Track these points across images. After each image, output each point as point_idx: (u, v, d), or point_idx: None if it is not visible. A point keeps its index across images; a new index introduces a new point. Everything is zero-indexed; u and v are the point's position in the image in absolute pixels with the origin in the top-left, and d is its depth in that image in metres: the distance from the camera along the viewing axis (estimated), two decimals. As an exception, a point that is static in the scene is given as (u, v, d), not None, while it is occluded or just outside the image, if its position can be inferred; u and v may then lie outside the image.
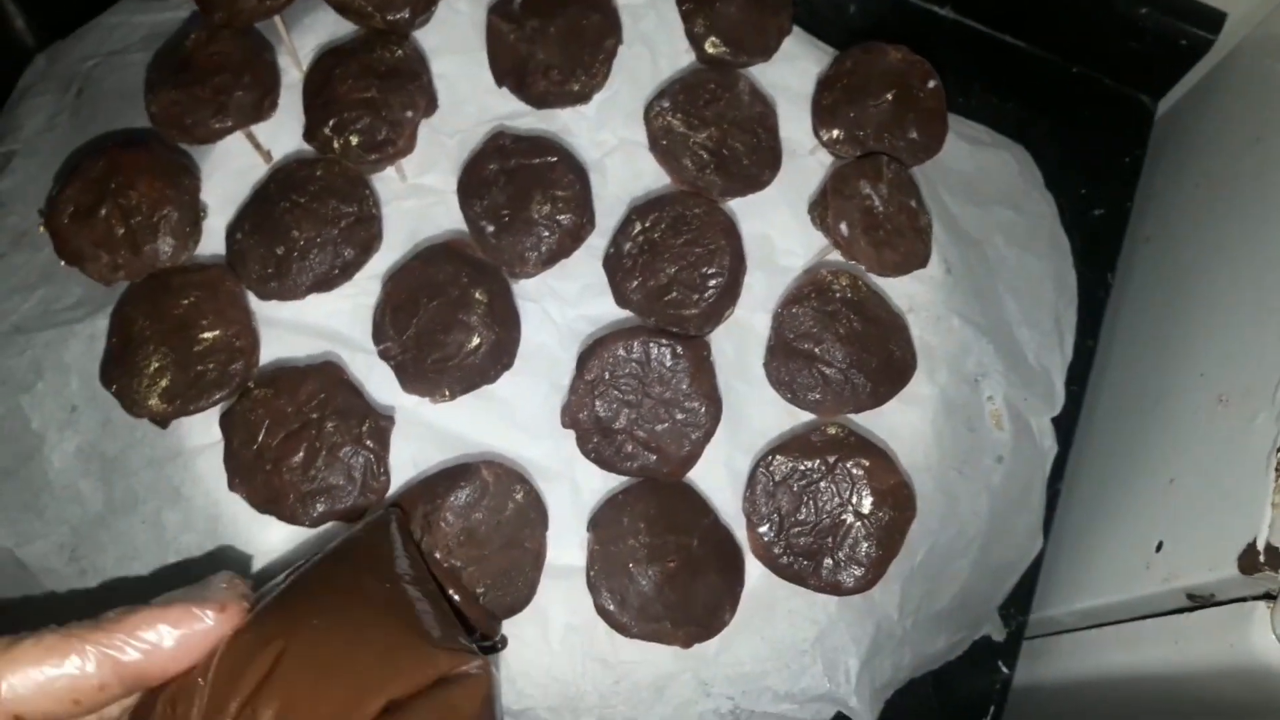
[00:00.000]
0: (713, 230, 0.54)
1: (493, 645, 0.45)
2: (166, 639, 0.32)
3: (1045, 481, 0.68)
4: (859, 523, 0.50)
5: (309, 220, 0.51)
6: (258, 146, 0.54)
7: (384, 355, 0.51)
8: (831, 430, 0.51)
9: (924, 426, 0.59)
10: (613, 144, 0.59)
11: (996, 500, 0.62)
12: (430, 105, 0.55)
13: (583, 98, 0.56)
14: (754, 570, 0.52)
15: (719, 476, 0.53)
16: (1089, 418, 0.72)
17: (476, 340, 0.50)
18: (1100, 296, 0.77)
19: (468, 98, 0.59)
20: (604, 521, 0.50)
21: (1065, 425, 0.68)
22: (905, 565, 0.58)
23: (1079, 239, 0.73)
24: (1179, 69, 0.79)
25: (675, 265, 0.53)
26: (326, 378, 0.49)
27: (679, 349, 0.50)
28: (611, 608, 0.49)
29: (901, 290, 0.60)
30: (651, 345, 0.50)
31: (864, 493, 0.50)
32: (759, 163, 0.57)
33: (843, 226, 0.53)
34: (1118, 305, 0.78)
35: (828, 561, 0.50)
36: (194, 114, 0.52)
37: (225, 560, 0.50)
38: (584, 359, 0.51)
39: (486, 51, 0.58)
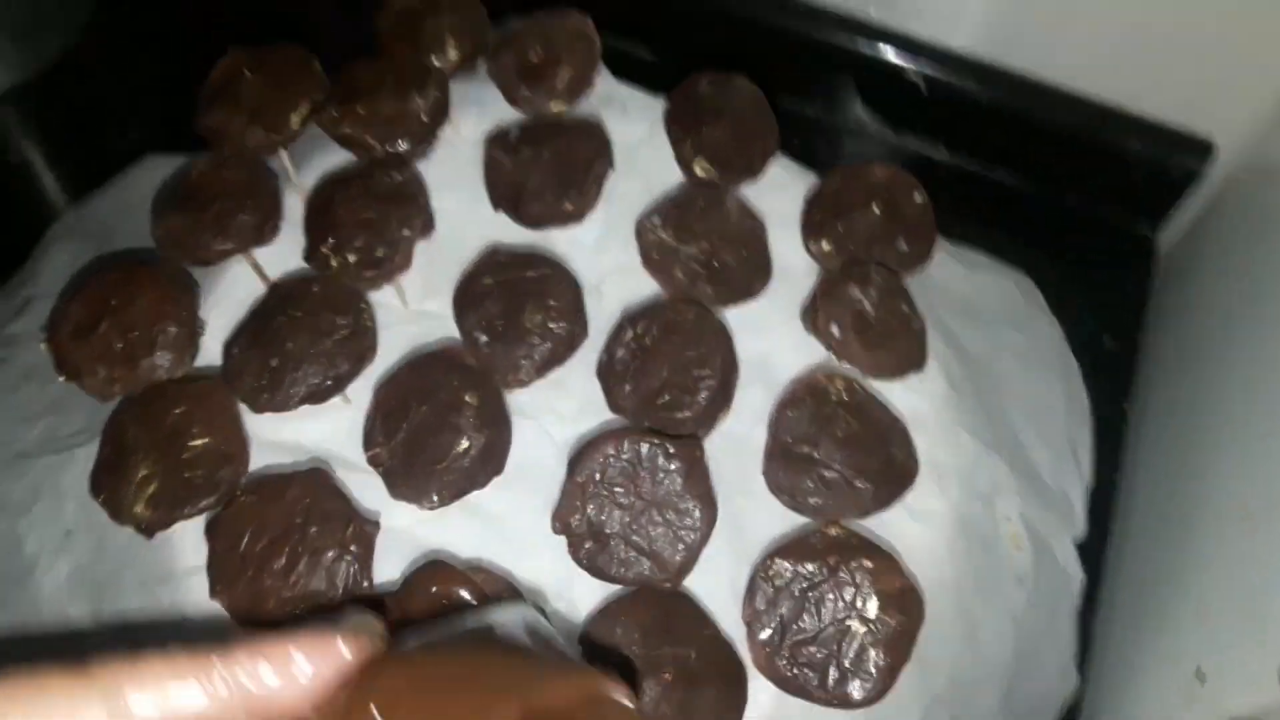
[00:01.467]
0: (705, 334, 0.54)
1: None
2: (303, 669, 0.29)
3: (1074, 612, 0.64)
4: (865, 629, 0.47)
5: (304, 333, 0.52)
6: (258, 269, 0.55)
7: (373, 462, 0.50)
8: (833, 531, 0.49)
9: (937, 543, 0.57)
10: (608, 266, 0.60)
11: (1021, 627, 0.59)
12: (427, 226, 0.56)
13: (575, 217, 0.58)
14: (758, 686, 0.49)
15: (719, 586, 0.51)
16: (1118, 552, 0.69)
17: (465, 443, 0.49)
18: (1119, 427, 0.75)
19: (468, 226, 0.60)
20: (596, 634, 0.48)
21: (1093, 559, 0.65)
22: (925, 692, 0.54)
23: (1091, 370, 0.72)
24: (1172, 199, 0.80)
25: (668, 369, 0.53)
26: (312, 483, 0.48)
27: (671, 449, 0.49)
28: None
29: (905, 403, 0.59)
30: (643, 445, 0.49)
31: (869, 597, 0.47)
32: (749, 274, 0.57)
33: (834, 328, 0.53)
34: (1137, 434, 0.76)
35: (834, 672, 0.47)
36: (196, 236, 0.54)
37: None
38: (575, 461, 0.50)
39: (485, 180, 0.60)
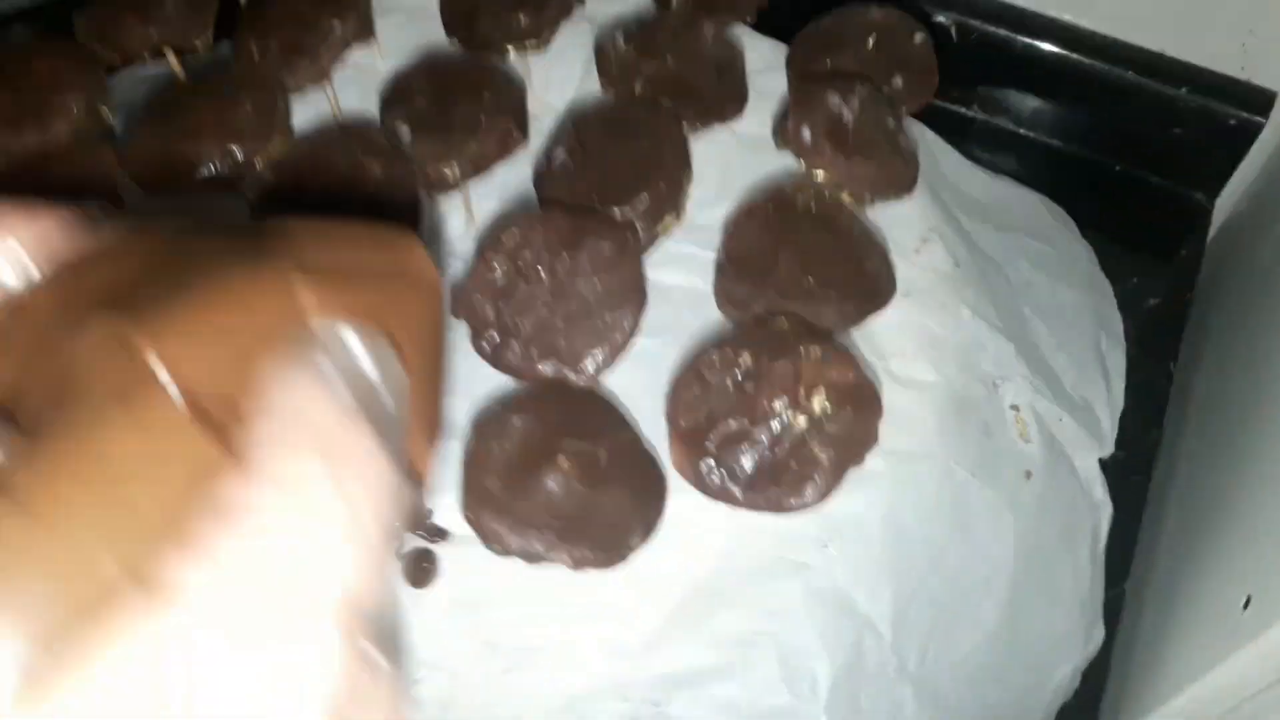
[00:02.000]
0: (657, 131, 0.47)
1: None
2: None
3: (1097, 549, 0.54)
4: (807, 424, 0.38)
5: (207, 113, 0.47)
6: (177, 65, 0.51)
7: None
8: (779, 324, 0.41)
9: (923, 413, 0.48)
10: (559, 81, 0.54)
11: (1026, 526, 0.50)
12: (363, 30, 0.51)
13: (531, 33, 0.53)
14: (683, 499, 0.40)
15: (642, 392, 0.43)
16: (1156, 515, 0.59)
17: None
18: (1163, 386, 0.65)
19: (414, 49, 0.55)
20: (488, 419, 0.40)
21: (1128, 523, 0.55)
22: (899, 567, 0.45)
23: (1133, 328, 0.63)
24: (1229, 159, 0.71)
25: (610, 165, 0.46)
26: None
27: (598, 228, 0.42)
28: (482, 512, 0.37)
29: (899, 274, 0.51)
30: (565, 223, 0.42)
31: (815, 390, 0.39)
32: (720, 97, 0.51)
33: (805, 131, 0.46)
34: (1184, 396, 0.66)
35: (767, 472, 0.38)
36: (118, 21, 0.50)
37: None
38: (486, 240, 0.43)
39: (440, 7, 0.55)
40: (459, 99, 0.48)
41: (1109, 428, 0.57)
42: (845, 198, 0.47)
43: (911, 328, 0.51)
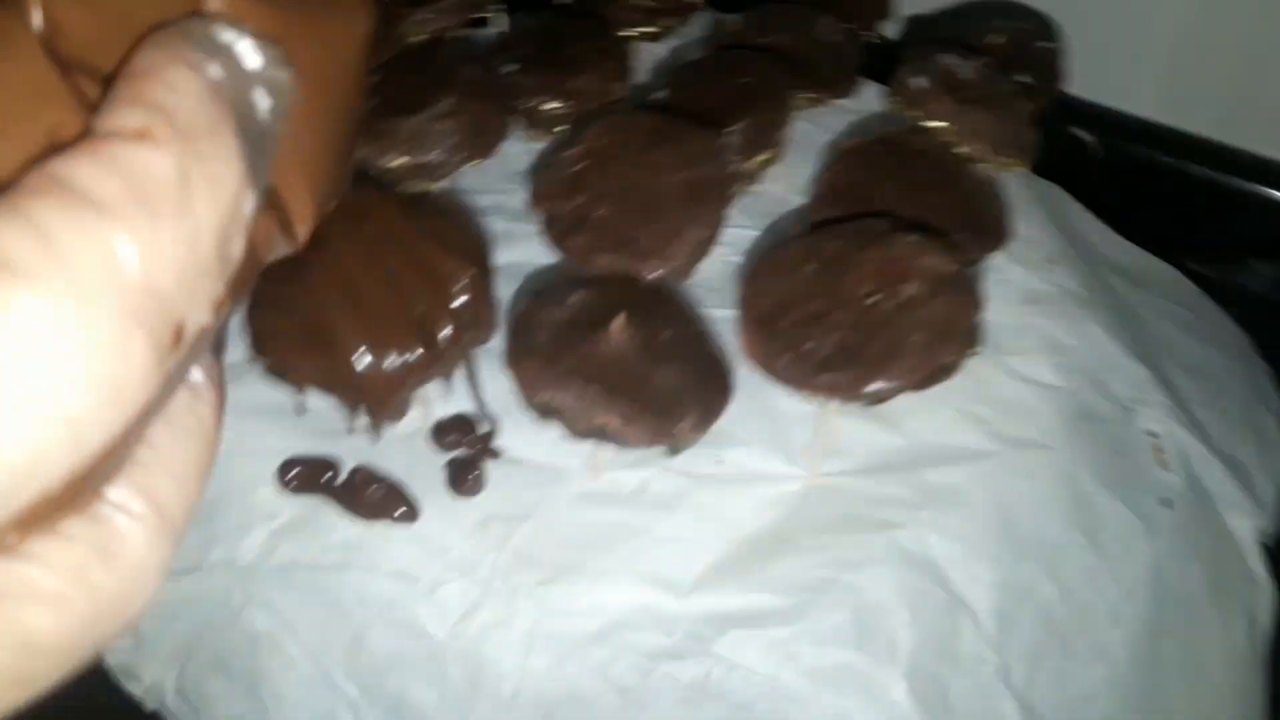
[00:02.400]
0: (760, 76, 0.46)
1: None
2: None
3: (1255, 634, 0.46)
4: (899, 309, 0.34)
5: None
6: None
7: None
8: (872, 221, 0.37)
9: (1042, 408, 0.43)
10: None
11: (1164, 558, 0.43)
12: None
13: (650, 20, 0.53)
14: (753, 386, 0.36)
15: (715, 296, 0.40)
16: None
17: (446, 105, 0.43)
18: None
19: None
20: (542, 288, 0.37)
21: None
22: (1004, 556, 0.39)
23: None
24: None
25: (709, 104, 0.45)
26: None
27: (691, 132, 0.41)
28: (525, 362, 0.34)
29: (1021, 281, 0.47)
30: (656, 127, 0.41)
31: (909, 277, 0.35)
32: (834, 75, 0.50)
33: (920, 79, 0.44)
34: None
35: (849, 354, 0.34)
36: None
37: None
38: (571, 135, 0.42)
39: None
40: (564, 46, 0.48)
41: (1268, 496, 0.49)
42: (961, 150, 0.44)
43: (1034, 332, 0.46)
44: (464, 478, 0.39)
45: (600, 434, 0.34)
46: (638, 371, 0.34)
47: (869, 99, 0.51)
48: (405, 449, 0.40)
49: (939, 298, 0.34)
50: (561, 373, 0.33)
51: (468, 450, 0.41)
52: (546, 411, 0.34)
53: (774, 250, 0.37)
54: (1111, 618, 0.41)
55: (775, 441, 0.42)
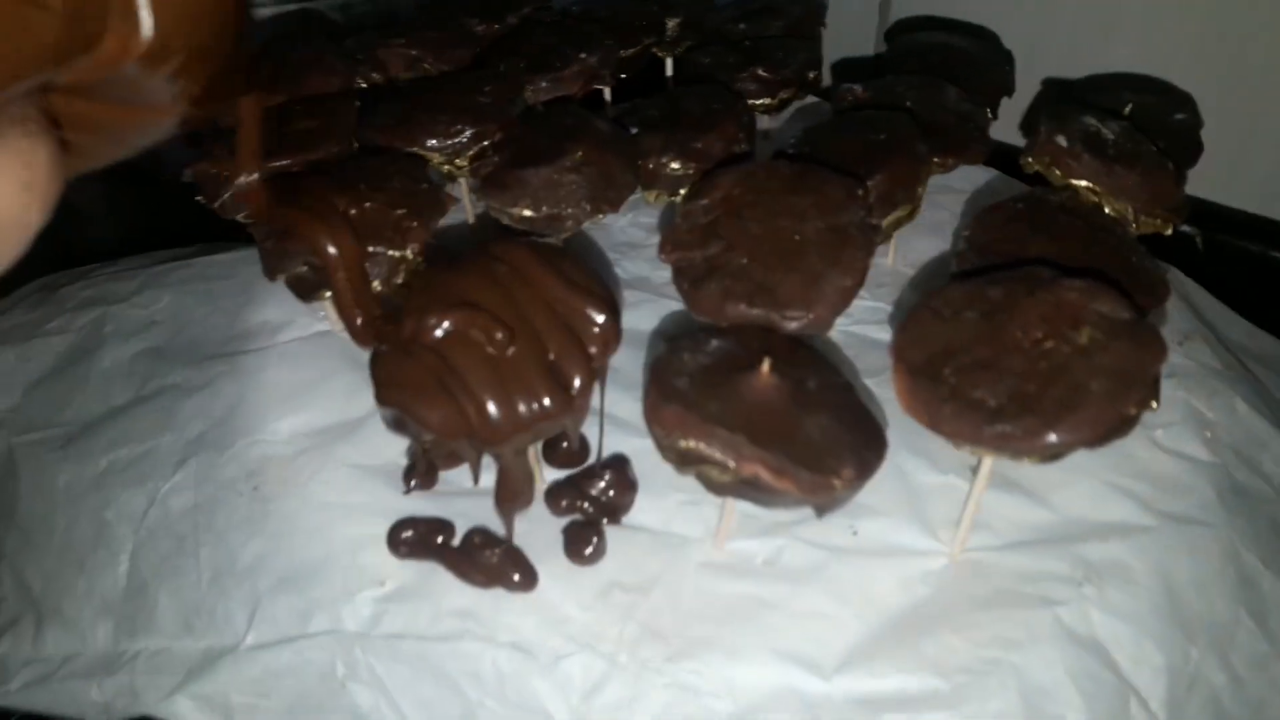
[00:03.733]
0: (894, 131, 0.44)
1: None
2: None
3: None
4: (1076, 354, 0.31)
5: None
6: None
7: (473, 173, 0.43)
8: (1032, 269, 0.35)
9: (1196, 483, 0.40)
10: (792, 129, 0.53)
11: None
12: (606, 67, 0.52)
13: (768, 90, 0.52)
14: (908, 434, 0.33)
15: (858, 346, 0.37)
16: None
17: (580, 154, 0.41)
18: None
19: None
20: (681, 337, 0.35)
21: None
22: (1172, 638, 0.36)
23: None
24: None
25: (841, 158, 0.43)
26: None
27: (830, 179, 0.39)
28: (665, 407, 0.31)
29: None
30: (798, 173, 0.39)
31: (1083, 323, 0.32)
32: (965, 138, 0.48)
33: (1060, 138, 0.42)
34: None
35: (1022, 403, 0.31)
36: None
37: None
38: (702, 182, 0.40)
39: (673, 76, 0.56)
40: (689, 108, 0.47)
41: None
42: (1110, 212, 0.41)
43: (1178, 405, 0.43)
44: (583, 545, 0.37)
45: (747, 487, 0.31)
46: (786, 420, 0.31)
47: (1004, 185, 0.49)
48: (521, 516, 0.38)
49: (1118, 344, 0.31)
50: (705, 419, 0.30)
51: (584, 515, 0.38)
52: (687, 460, 0.31)
53: (928, 298, 0.34)
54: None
55: (913, 513, 0.39)
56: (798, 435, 0.31)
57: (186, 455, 0.42)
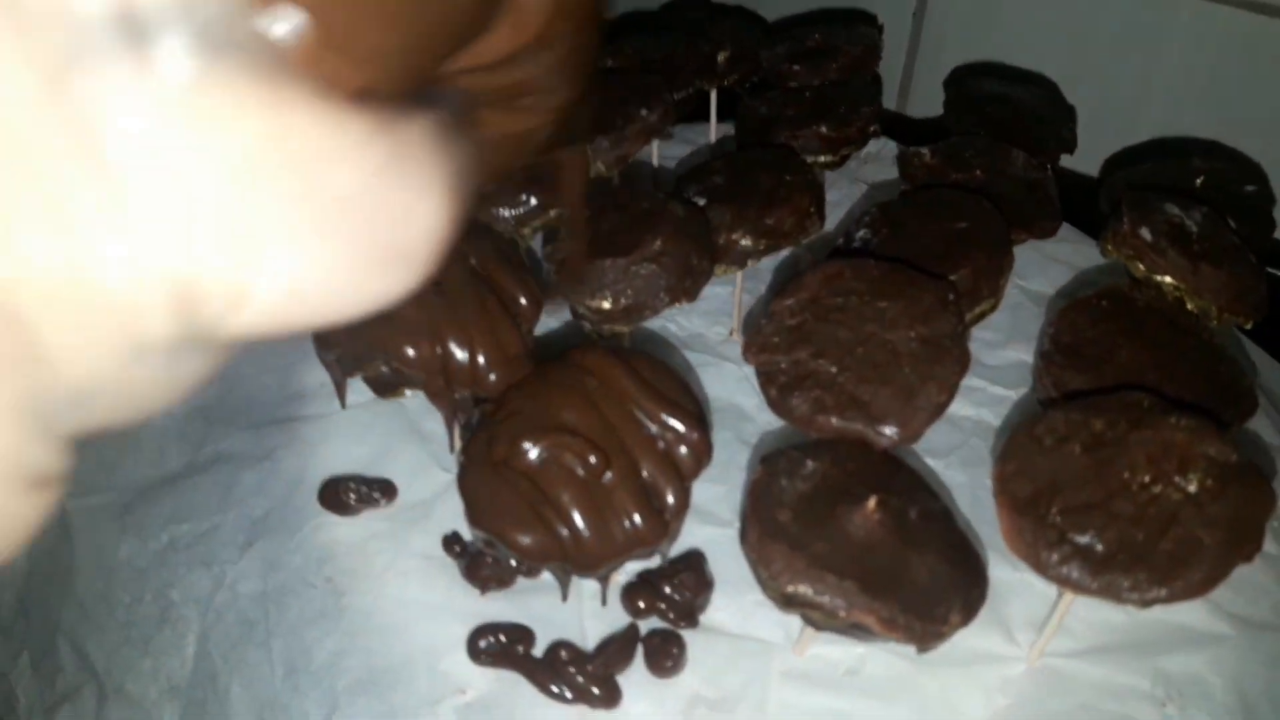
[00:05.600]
0: (975, 214, 0.43)
1: None
2: None
3: None
4: (1187, 503, 0.31)
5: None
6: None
7: (547, 257, 0.42)
8: (1135, 396, 0.34)
9: (1271, 584, 0.40)
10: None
11: None
12: (664, 124, 0.51)
13: (831, 148, 0.51)
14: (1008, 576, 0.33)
15: (955, 462, 0.37)
16: None
17: (657, 244, 0.40)
18: None
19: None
20: (776, 457, 0.34)
21: None
22: None
23: None
24: None
25: (921, 244, 0.42)
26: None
27: (920, 282, 0.38)
28: (771, 546, 0.31)
29: None
30: (885, 274, 0.38)
31: (1189, 465, 0.32)
32: (1035, 212, 0.47)
33: (1144, 231, 0.42)
34: None
35: (1133, 554, 0.30)
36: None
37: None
38: (787, 282, 0.39)
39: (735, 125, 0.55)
40: (757, 178, 0.46)
41: None
42: (1190, 307, 0.41)
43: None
44: (665, 658, 0.36)
45: (853, 629, 0.30)
46: (893, 561, 0.31)
47: (1072, 239, 0.48)
48: (598, 616, 0.37)
49: (1228, 492, 0.31)
50: (812, 562, 0.30)
51: (662, 618, 0.38)
52: (792, 603, 0.31)
53: (1029, 425, 0.34)
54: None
55: (994, 615, 0.38)
56: (905, 579, 0.31)
57: (253, 537, 0.42)
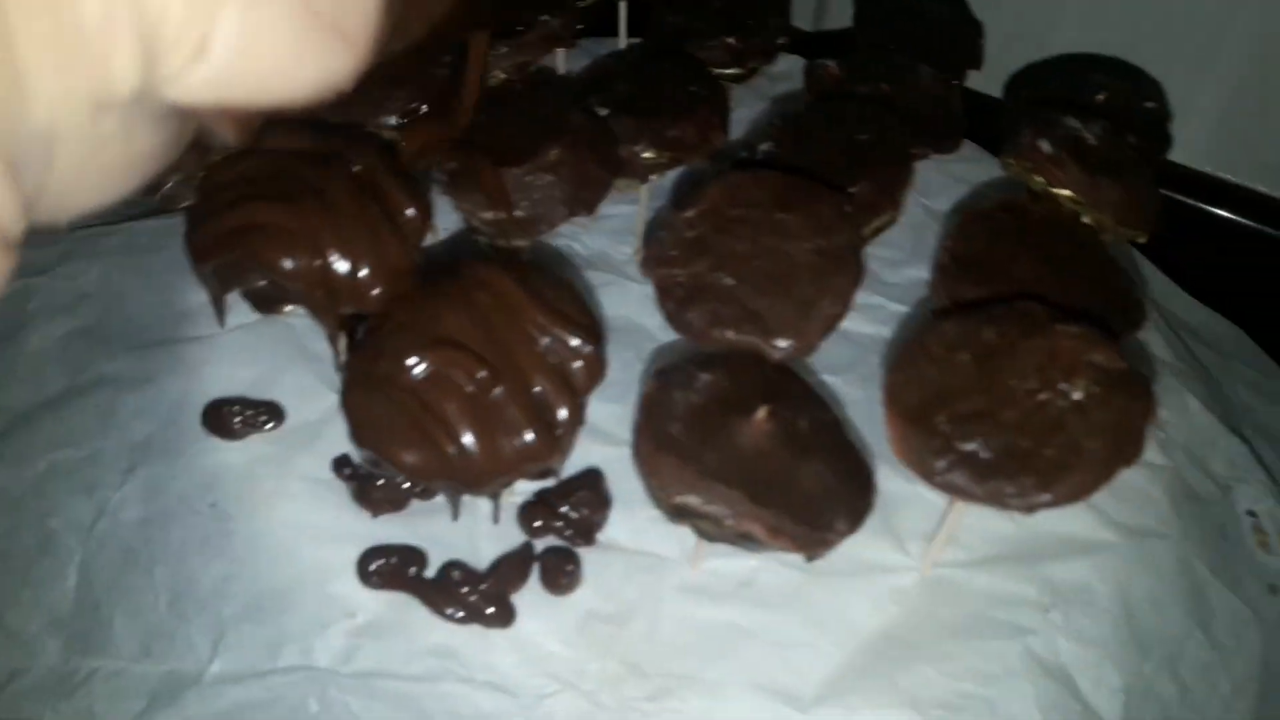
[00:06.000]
0: (875, 128, 0.43)
1: None
2: None
3: None
4: (1072, 410, 0.31)
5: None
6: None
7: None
8: (1027, 304, 0.34)
9: (1154, 492, 0.41)
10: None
11: (1272, 647, 0.40)
12: (567, 32, 0.49)
13: (738, 60, 0.50)
14: (897, 486, 0.33)
15: (848, 374, 0.37)
16: None
17: (555, 154, 0.39)
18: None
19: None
20: (670, 369, 0.34)
21: None
22: (1129, 656, 0.37)
23: None
24: None
25: (822, 156, 0.42)
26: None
27: (819, 194, 0.37)
28: (662, 458, 0.31)
29: None
30: (784, 186, 0.38)
31: (1075, 372, 0.32)
32: (938, 128, 0.47)
33: (1043, 144, 0.41)
34: None
35: (1019, 461, 0.31)
36: None
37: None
38: (687, 195, 0.38)
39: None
40: (662, 88, 0.45)
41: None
42: (1085, 220, 0.41)
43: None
44: (560, 575, 0.36)
45: (740, 538, 0.30)
46: (781, 471, 0.31)
47: (974, 156, 0.48)
48: (492, 536, 0.37)
49: (1112, 399, 0.31)
50: (701, 473, 0.30)
51: (558, 536, 0.37)
52: (681, 513, 0.30)
53: (920, 334, 0.34)
54: (1224, 708, 0.39)
55: (884, 525, 0.39)
56: (793, 488, 0.30)
57: (134, 462, 0.40)
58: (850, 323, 0.42)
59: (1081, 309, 0.37)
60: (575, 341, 0.33)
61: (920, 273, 0.47)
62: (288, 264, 0.33)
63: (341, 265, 0.34)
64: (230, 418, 0.40)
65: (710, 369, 0.33)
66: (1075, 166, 0.41)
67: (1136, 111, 0.49)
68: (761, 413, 0.31)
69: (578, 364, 0.33)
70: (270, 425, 0.40)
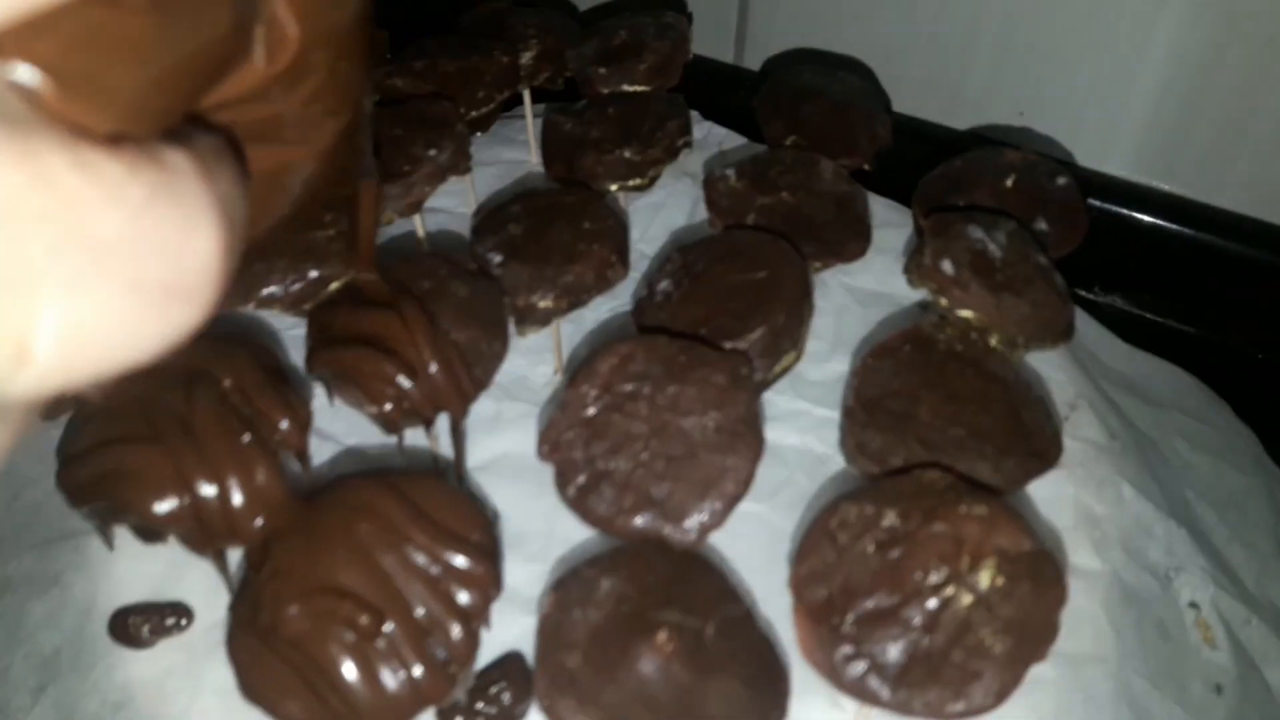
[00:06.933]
0: (774, 260, 0.41)
1: None
2: None
3: None
4: (978, 607, 0.30)
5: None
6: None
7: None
8: (931, 477, 0.33)
9: (1090, 606, 0.40)
10: (666, 222, 0.50)
11: None
12: (459, 158, 0.48)
13: (638, 172, 0.48)
14: (809, 688, 0.32)
15: (756, 558, 0.36)
16: None
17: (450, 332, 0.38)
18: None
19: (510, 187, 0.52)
20: (569, 580, 0.33)
21: None
22: None
23: None
24: None
25: (721, 296, 0.40)
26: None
27: (710, 359, 0.36)
28: (560, 700, 0.30)
29: None
30: (672, 351, 0.36)
31: (981, 560, 0.31)
32: (841, 234, 0.46)
33: (945, 263, 0.40)
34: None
35: (926, 668, 0.30)
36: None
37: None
38: (580, 369, 0.37)
39: (540, 140, 0.52)
40: (555, 228, 0.43)
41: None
42: (993, 343, 0.40)
43: (1067, 503, 0.43)
44: None
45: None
46: (686, 696, 0.30)
47: (881, 266, 0.47)
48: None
49: (1020, 586, 0.30)
50: (602, 716, 0.29)
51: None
52: (585, 753, 0.29)
53: (824, 518, 0.33)
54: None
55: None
56: (701, 714, 0.29)
57: (45, 681, 0.39)
58: (775, 434, 0.41)
59: (993, 454, 0.36)
60: (464, 563, 0.32)
61: (843, 366, 0.46)
62: (158, 509, 0.32)
63: (212, 502, 0.32)
64: (137, 627, 0.39)
65: (612, 572, 0.32)
66: (978, 285, 0.40)
67: (1046, 192, 0.48)
68: (661, 635, 0.30)
69: (468, 588, 0.32)
70: (180, 625, 0.39)
